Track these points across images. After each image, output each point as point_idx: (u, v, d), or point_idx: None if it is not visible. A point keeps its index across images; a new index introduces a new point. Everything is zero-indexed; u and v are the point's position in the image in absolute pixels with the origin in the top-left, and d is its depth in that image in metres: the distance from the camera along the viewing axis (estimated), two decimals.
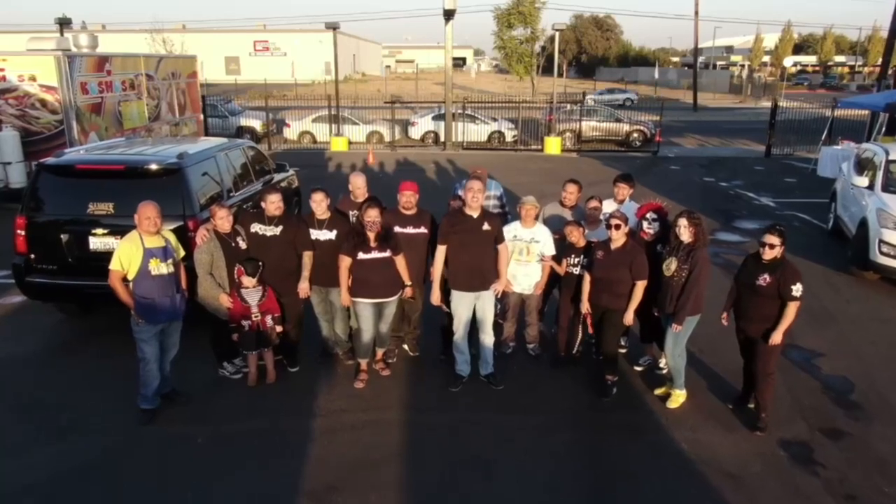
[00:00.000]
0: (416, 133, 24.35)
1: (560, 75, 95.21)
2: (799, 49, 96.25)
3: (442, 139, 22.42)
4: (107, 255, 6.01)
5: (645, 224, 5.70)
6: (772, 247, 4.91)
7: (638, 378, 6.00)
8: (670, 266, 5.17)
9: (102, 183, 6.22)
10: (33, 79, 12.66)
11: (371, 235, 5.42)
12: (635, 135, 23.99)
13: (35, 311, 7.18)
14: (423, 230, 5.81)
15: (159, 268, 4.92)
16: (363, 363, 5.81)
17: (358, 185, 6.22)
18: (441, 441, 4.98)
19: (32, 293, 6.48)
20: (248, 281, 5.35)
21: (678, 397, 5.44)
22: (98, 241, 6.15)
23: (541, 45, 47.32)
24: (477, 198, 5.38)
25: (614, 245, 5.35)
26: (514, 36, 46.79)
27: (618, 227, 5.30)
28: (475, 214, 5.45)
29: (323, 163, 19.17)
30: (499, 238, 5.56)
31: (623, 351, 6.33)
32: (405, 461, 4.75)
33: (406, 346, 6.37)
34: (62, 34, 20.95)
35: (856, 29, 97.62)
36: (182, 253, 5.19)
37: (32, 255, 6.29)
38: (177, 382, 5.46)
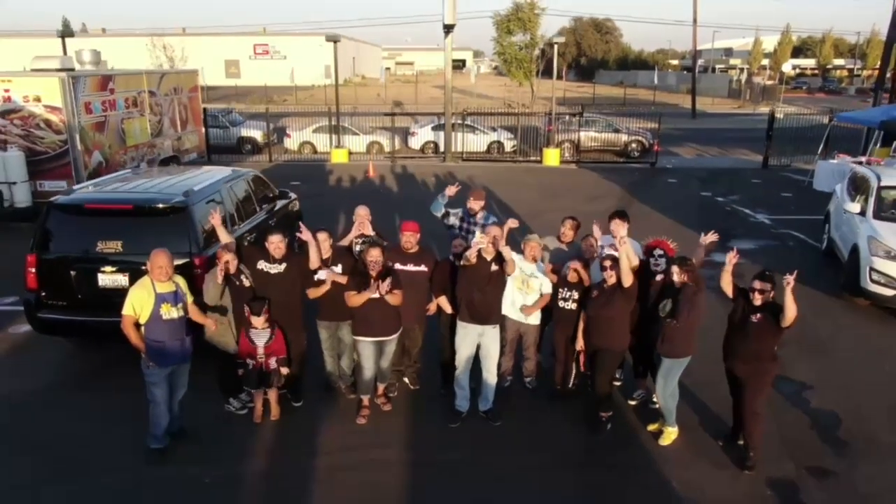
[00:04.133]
0: (415, 143, 24.51)
1: (559, 78, 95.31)
2: (798, 52, 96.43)
3: (442, 149, 22.59)
4: (115, 292, 6.24)
5: (652, 260, 5.87)
6: (762, 292, 5.07)
7: (632, 412, 6.17)
8: (666, 307, 5.35)
9: (111, 221, 6.40)
10: (38, 100, 12.82)
11: (373, 275, 5.59)
12: (633, 145, 24.16)
13: (41, 343, 7.31)
14: (423, 268, 5.99)
15: (170, 312, 5.09)
16: (365, 399, 5.99)
17: (361, 217, 6.42)
18: (441, 483, 5.15)
19: (42, 328, 6.66)
20: (256, 321, 5.52)
21: (670, 434, 5.61)
22: (107, 278, 6.33)
23: (540, 48, 47.42)
24: (489, 246, 5.53)
25: (608, 285, 5.52)
26: (514, 42, 46.88)
27: (611, 267, 5.47)
28: (490, 253, 5.61)
29: (324, 176, 19.33)
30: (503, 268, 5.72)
31: (618, 384, 6.50)
32: (410, 501, 4.91)
33: (406, 380, 6.54)
34: (64, 46, 21.22)
35: (855, 32, 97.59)
36: (191, 298, 5.35)
37: (43, 292, 6.46)
38: (184, 418, 5.63)
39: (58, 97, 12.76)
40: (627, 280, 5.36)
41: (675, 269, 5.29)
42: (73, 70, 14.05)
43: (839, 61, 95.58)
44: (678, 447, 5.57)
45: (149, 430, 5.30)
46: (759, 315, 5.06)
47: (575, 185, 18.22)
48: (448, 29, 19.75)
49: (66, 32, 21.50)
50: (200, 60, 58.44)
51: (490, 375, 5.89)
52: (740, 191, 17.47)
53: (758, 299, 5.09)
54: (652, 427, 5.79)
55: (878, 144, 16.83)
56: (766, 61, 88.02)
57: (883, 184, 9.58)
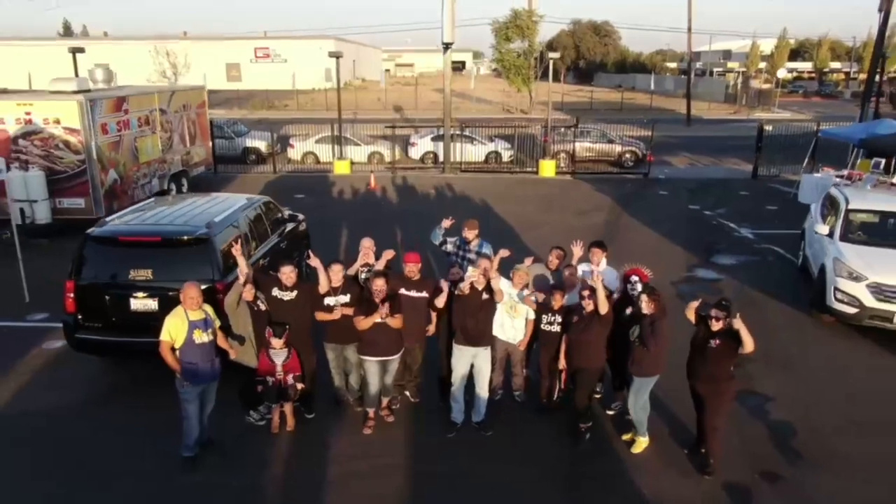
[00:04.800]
0: (415, 153, 25.18)
1: (557, 80, 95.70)
2: (796, 54, 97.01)
3: (441, 160, 23.28)
4: (146, 315, 6.98)
5: (629, 286, 6.56)
6: (717, 319, 5.78)
7: (609, 423, 6.89)
8: (634, 332, 6.06)
9: (142, 251, 7.12)
10: (58, 122, 13.53)
11: (377, 301, 6.30)
12: (627, 155, 24.90)
13: (75, 360, 7.98)
14: (424, 294, 6.70)
15: (201, 337, 5.81)
16: (371, 411, 6.71)
17: (365, 248, 7.14)
18: (440, 491, 5.86)
19: (79, 348, 7.38)
20: (275, 342, 6.24)
21: (641, 444, 6.33)
22: (138, 303, 7.04)
23: (536, 56, 48.10)
24: (481, 280, 6.26)
25: (586, 312, 6.24)
26: (512, 49, 47.62)
27: (589, 297, 6.18)
28: (481, 284, 6.33)
29: (327, 188, 20.03)
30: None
31: (598, 396, 7.22)
32: (412, 501, 5.63)
33: (408, 394, 7.26)
34: (75, 62, 21.89)
35: (852, 35, 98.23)
36: (219, 323, 6.07)
37: (80, 315, 7.18)
38: (211, 429, 6.34)
39: (76, 119, 13.47)
40: (603, 308, 6.07)
41: (643, 298, 6.00)
42: (89, 91, 14.77)
43: (836, 64, 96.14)
44: (648, 455, 6.29)
45: (182, 440, 6.01)
46: (717, 340, 5.77)
47: (569, 197, 18.91)
48: (447, 46, 20.46)
49: (77, 49, 21.99)
50: (201, 64, 59.11)
51: (482, 391, 6.61)
52: (728, 203, 18.17)
53: (715, 326, 5.80)
54: (626, 437, 6.51)
55: (859, 160, 17.53)
56: (763, 64, 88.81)
57: (851, 206, 10.29)
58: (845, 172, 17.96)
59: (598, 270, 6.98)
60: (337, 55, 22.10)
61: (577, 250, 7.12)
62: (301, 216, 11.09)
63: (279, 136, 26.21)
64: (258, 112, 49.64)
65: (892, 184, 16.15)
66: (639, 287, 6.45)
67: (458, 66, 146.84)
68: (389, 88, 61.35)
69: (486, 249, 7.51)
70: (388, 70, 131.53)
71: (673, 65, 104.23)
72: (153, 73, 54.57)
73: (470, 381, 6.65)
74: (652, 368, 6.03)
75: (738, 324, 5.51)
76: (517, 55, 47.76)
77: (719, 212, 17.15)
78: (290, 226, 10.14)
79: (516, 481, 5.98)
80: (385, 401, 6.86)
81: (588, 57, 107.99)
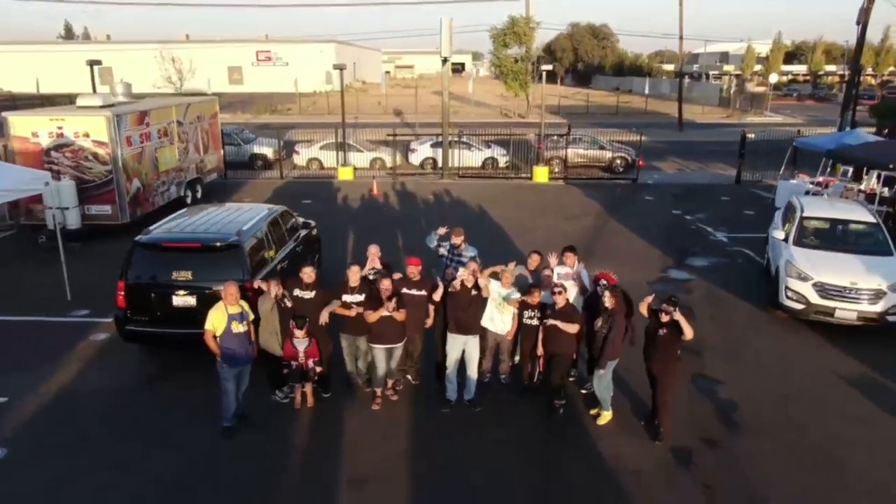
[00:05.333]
0: (415, 159, 26.40)
1: (554, 82, 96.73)
2: (792, 57, 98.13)
3: (440, 165, 24.49)
4: (186, 310, 8.19)
5: (599, 287, 7.76)
6: (666, 313, 6.99)
7: (580, 400, 8.10)
8: (597, 324, 7.28)
9: (182, 256, 8.35)
10: (87, 135, 14.75)
11: (384, 298, 7.52)
12: (618, 161, 26.08)
13: (120, 349, 9.20)
14: (424, 292, 7.91)
15: (238, 327, 7.03)
16: (378, 391, 7.93)
17: (372, 254, 8.36)
18: (436, 450, 7.09)
19: (128, 338, 8.61)
20: (298, 333, 7.45)
21: (605, 416, 7.55)
22: (180, 300, 8.26)
23: (533, 62, 49.30)
24: (470, 279, 7.49)
25: (557, 307, 7.45)
26: (510, 55, 48.83)
27: (560, 293, 7.41)
28: (470, 282, 7.56)
29: (332, 194, 21.23)
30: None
31: (572, 379, 8.43)
32: (412, 465, 6.85)
33: (409, 377, 8.48)
34: (93, 77, 23.09)
35: (846, 39, 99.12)
36: (252, 316, 7.29)
37: (129, 310, 8.40)
38: (245, 406, 7.55)
39: (104, 133, 14.69)
40: (560, 303, 7.34)
41: (606, 295, 7.22)
42: (113, 105, 16.01)
43: (831, 67, 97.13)
44: (611, 426, 7.51)
45: (222, 413, 7.23)
46: (664, 330, 6.99)
47: (560, 202, 20.11)
48: (445, 60, 21.68)
49: (94, 62, 23.18)
50: (203, 67, 60.29)
51: (472, 373, 7.83)
52: (708, 208, 19.36)
53: (664, 318, 7.01)
54: (593, 411, 7.73)
55: (829, 169, 18.75)
56: (758, 67, 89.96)
57: (805, 214, 11.51)
58: (819, 179, 19.23)
59: (575, 271, 8.22)
60: (341, 67, 23.33)
61: (553, 261, 8.34)
62: (313, 223, 12.29)
63: (284, 141, 27.44)
64: (261, 116, 50.76)
65: (860, 190, 17.46)
66: (604, 285, 7.67)
67: (458, 68, 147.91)
68: (390, 91, 62.44)
69: (472, 252, 8.76)
70: (388, 72, 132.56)
71: (670, 67, 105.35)
72: (159, 79, 55.74)
73: (462, 365, 7.87)
74: (612, 353, 7.25)
75: (677, 316, 6.74)
76: (514, 61, 49.01)
77: (699, 216, 18.35)
78: (303, 232, 11.36)
79: (500, 447, 7.19)
80: (390, 382, 8.08)
81: (586, 60, 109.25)
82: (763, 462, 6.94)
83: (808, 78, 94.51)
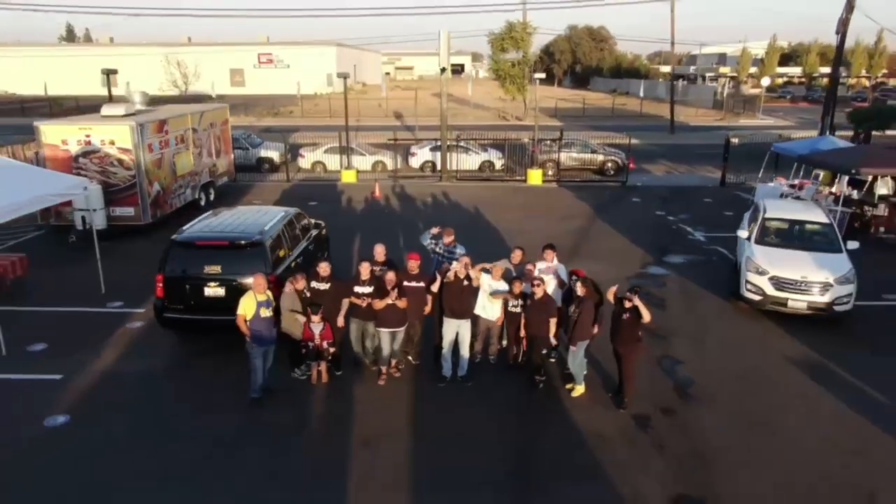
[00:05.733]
0: (415, 162, 27.66)
1: (552, 83, 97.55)
2: (788, 59, 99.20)
3: (439, 168, 25.74)
4: (216, 299, 9.43)
5: (573, 280, 9.00)
6: (629, 300, 8.23)
7: (558, 378, 9.34)
8: (571, 310, 8.53)
9: (213, 252, 9.59)
10: (112, 143, 16.00)
11: (389, 289, 8.76)
12: (609, 164, 27.35)
13: (154, 335, 10.45)
14: (422, 284, 9.15)
15: (265, 313, 8.27)
16: (384, 369, 9.19)
17: (378, 252, 9.60)
18: (433, 418, 8.33)
19: (165, 324, 9.86)
20: (314, 318, 8.70)
21: (578, 390, 8.80)
22: (211, 291, 9.50)
23: (532, 63, 50.56)
24: (462, 271, 8.76)
25: (536, 297, 8.70)
26: (507, 59, 50.06)
27: (538, 285, 8.65)
28: (462, 275, 8.82)
29: (336, 196, 22.47)
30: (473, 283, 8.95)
31: (553, 360, 9.67)
32: (413, 430, 8.10)
33: (410, 357, 9.72)
34: (109, 88, 24.35)
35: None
36: (275, 304, 8.54)
37: (166, 300, 9.64)
38: (270, 380, 8.78)
39: (128, 141, 15.94)
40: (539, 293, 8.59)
41: (578, 285, 8.47)
42: (135, 114, 17.26)
43: (825, 69, 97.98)
44: (583, 398, 8.76)
45: (251, 386, 8.48)
46: (627, 314, 8.24)
47: (552, 204, 21.34)
48: (443, 70, 22.94)
49: (110, 70, 24.44)
50: (206, 69, 61.56)
51: (465, 353, 9.08)
52: (691, 210, 20.59)
53: (627, 305, 8.26)
54: (568, 386, 8.97)
55: (802, 174, 20.01)
56: (754, 69, 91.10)
57: (766, 215, 12.76)
58: (795, 182, 20.48)
59: (552, 266, 9.46)
60: (344, 75, 24.55)
61: (532, 267, 9.58)
62: (322, 223, 13.53)
63: (290, 144, 28.67)
64: (265, 119, 51.98)
65: (831, 192, 18.69)
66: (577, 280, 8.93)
67: (458, 69, 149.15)
68: (390, 94, 63.64)
69: (461, 249, 10.01)
70: (387, 73, 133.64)
71: (667, 68, 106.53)
72: (164, 82, 57.05)
73: (455, 346, 9.11)
74: (582, 335, 8.49)
75: (637, 302, 7.99)
76: (512, 65, 50.28)
77: (681, 217, 19.59)
78: (314, 232, 12.60)
79: (488, 416, 8.43)
80: (394, 362, 9.32)
81: (584, 62, 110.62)
82: (708, 426, 8.19)
83: (802, 80, 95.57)
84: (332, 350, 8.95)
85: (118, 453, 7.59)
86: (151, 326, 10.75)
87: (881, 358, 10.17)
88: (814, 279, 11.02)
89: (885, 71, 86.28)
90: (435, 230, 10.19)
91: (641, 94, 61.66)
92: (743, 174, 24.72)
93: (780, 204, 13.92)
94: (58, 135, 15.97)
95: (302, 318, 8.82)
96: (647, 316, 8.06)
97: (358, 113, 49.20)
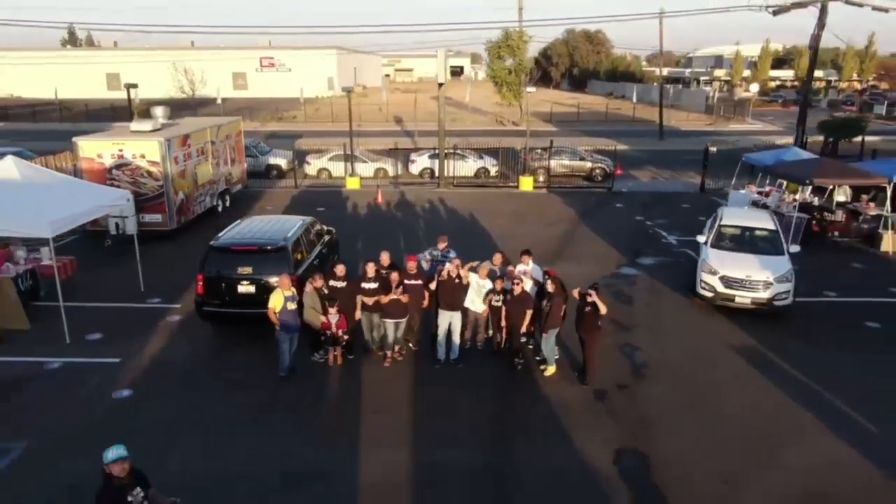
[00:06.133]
0: (415, 169, 29.51)
1: (549, 86, 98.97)
2: (782, 62, 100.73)
3: (437, 175, 27.55)
4: (248, 296, 11.25)
5: (545, 281, 10.79)
6: (589, 296, 10.04)
7: (534, 362, 11.15)
8: (544, 304, 10.35)
9: (245, 256, 11.40)
10: (142, 156, 17.81)
11: (393, 286, 10.58)
12: (597, 171, 29.15)
13: (193, 328, 12.25)
14: (419, 282, 10.97)
15: (291, 306, 10.09)
16: (389, 353, 11.01)
17: (384, 258, 11.41)
18: (429, 392, 10.15)
19: (204, 317, 11.66)
20: (331, 310, 10.52)
21: (550, 370, 10.62)
22: (243, 288, 11.31)
23: (528, 70, 52.31)
24: (454, 271, 10.59)
25: (515, 293, 10.51)
26: (504, 67, 51.85)
27: (518, 284, 10.47)
28: (454, 274, 10.66)
29: (342, 202, 24.27)
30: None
31: (530, 347, 11.48)
32: (413, 400, 9.92)
33: (410, 344, 11.54)
34: (130, 102, 26.16)
35: (831, 45, 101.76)
36: (299, 298, 10.36)
37: (205, 296, 11.45)
38: (294, 362, 10.59)
39: (157, 155, 17.75)
40: (517, 291, 10.41)
41: (549, 283, 10.29)
42: (161, 129, 19.07)
43: (818, 72, 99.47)
44: (554, 377, 10.57)
45: (279, 366, 10.31)
46: (588, 307, 10.05)
47: (541, 210, 23.13)
48: (441, 85, 24.75)
49: (131, 84, 26.24)
50: (209, 73, 63.19)
51: (456, 339, 10.90)
52: (668, 215, 22.39)
53: (588, 300, 10.07)
54: (542, 367, 10.79)
55: (768, 183, 21.83)
56: (747, 73, 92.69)
57: (722, 222, 14.58)
58: (765, 189, 22.30)
59: (528, 269, 11.28)
60: (349, 90, 26.37)
61: (513, 268, 11.38)
62: (333, 229, 15.34)
63: (297, 150, 30.44)
64: (269, 124, 53.70)
65: (794, 199, 20.49)
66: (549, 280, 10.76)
67: (457, 71, 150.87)
68: (390, 97, 65.22)
69: (452, 254, 11.82)
70: (387, 75, 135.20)
71: (665, 71, 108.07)
72: (171, 88, 58.82)
73: (449, 334, 10.93)
74: (553, 325, 10.31)
75: (595, 298, 9.82)
76: (508, 72, 52.09)
77: (658, 222, 21.40)
78: (327, 237, 14.42)
79: (473, 391, 10.24)
80: (397, 347, 11.13)
81: (581, 65, 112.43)
82: (654, 398, 10.01)
83: (795, 84, 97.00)
84: (345, 338, 10.77)
85: (173, 417, 9.40)
86: (187, 319, 12.61)
87: (811, 346, 11.99)
88: (756, 278, 12.84)
89: (874, 75, 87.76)
90: (428, 256, 12.09)
91: (634, 99, 63.18)
92: (722, 180, 26.46)
93: (734, 212, 15.70)
94: (94, 149, 17.78)
95: (321, 314, 10.64)
96: (603, 308, 9.88)
97: (359, 118, 50.90)
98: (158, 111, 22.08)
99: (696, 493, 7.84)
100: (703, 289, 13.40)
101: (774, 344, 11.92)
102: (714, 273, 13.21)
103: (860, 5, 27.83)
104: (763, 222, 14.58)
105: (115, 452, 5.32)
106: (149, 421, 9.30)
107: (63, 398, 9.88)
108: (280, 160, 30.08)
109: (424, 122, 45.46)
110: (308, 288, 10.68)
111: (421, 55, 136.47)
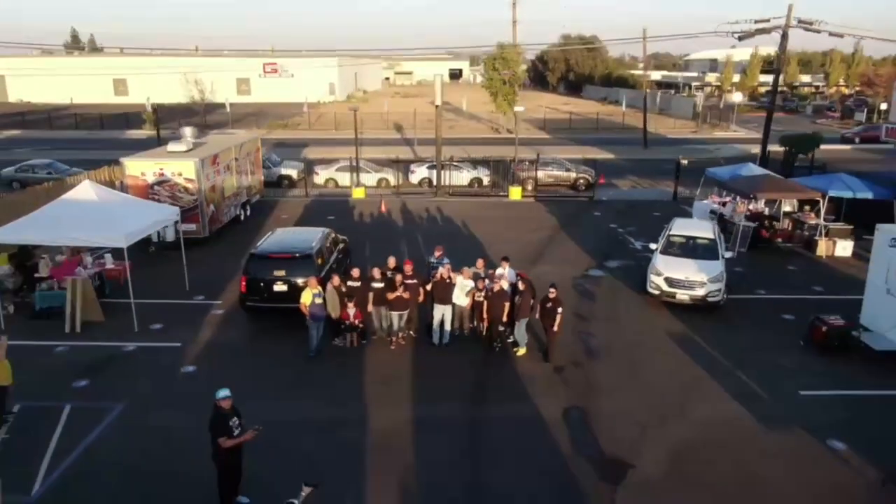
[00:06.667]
0: (414, 179, 32.41)
1: (546, 89, 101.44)
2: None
3: (435, 183, 30.42)
4: (282, 293, 14.16)
5: (517, 280, 13.69)
6: (552, 293, 12.94)
7: (510, 347, 14.04)
8: (517, 299, 13.26)
9: (279, 261, 14.31)
10: (180, 174, 20.69)
11: (397, 285, 13.50)
12: (581, 181, 32.00)
13: (234, 319, 15.14)
14: (416, 281, 13.87)
15: (318, 301, 12.99)
16: (394, 339, 13.92)
17: (390, 262, 14.30)
18: (426, 367, 13.06)
19: (247, 310, 14.57)
20: (349, 304, 13.42)
21: (521, 351, 13.55)
22: (278, 287, 14.22)
23: (522, 80, 55.17)
24: (445, 274, 13.53)
25: (494, 290, 13.41)
26: (500, 77, 54.70)
27: (497, 283, 13.38)
28: (445, 276, 13.58)
29: (349, 211, 27.13)
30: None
31: (508, 336, 14.36)
32: (412, 374, 12.82)
33: (411, 331, 14.43)
34: (157, 128, 28.99)
35: (821, 50, 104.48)
36: (323, 294, 13.27)
37: (247, 293, 14.36)
38: (320, 345, 13.47)
39: (193, 173, 20.63)
40: (496, 288, 13.32)
41: (519, 282, 13.21)
42: (193, 149, 21.95)
43: (806, 78, 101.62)
44: (525, 356, 13.48)
45: (309, 346, 13.22)
46: (550, 302, 12.97)
47: (527, 218, 26.01)
48: (437, 107, 27.64)
49: (156, 106, 29.06)
50: (213, 79, 65.72)
51: (448, 328, 13.82)
52: (639, 222, 25.22)
53: (550, 295, 12.97)
54: (515, 349, 13.69)
55: (725, 194, 24.69)
56: (737, 78, 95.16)
57: (671, 232, 17.47)
58: (727, 199, 25.16)
59: (504, 272, 14.18)
60: (354, 108, 29.23)
61: (493, 271, 14.27)
62: (346, 237, 18.22)
63: (305, 159, 33.29)
64: (275, 132, 56.41)
65: (748, 209, 23.35)
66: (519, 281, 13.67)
67: (456, 74, 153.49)
68: (389, 100, 67.65)
69: (445, 260, 14.69)
70: (387, 78, 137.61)
71: (658, 76, 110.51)
72: (182, 97, 61.66)
73: (441, 324, 13.84)
74: (522, 314, 13.22)
75: (554, 294, 12.74)
76: (503, 82, 54.98)
77: (629, 229, 24.25)
78: (342, 245, 17.33)
79: (461, 367, 13.14)
80: (400, 334, 14.03)
81: (577, 70, 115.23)
82: (600, 372, 12.93)
83: (784, 89, 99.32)
84: (361, 326, 13.68)
85: (230, 386, 12.24)
86: (229, 313, 15.51)
87: (730, 333, 14.88)
88: (693, 279, 15.74)
89: (857, 82, 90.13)
90: (437, 253, 15.00)
91: (624, 105, 65.73)
92: (694, 189, 29.26)
93: (682, 223, 18.55)
94: (138, 168, 20.67)
95: (341, 307, 13.53)
96: (559, 303, 12.84)
97: (361, 124, 53.60)
98: (187, 131, 24.96)
99: (616, 436, 10.75)
100: (651, 288, 16.31)
101: (702, 331, 14.83)
102: (660, 274, 16.13)
103: (818, 31, 30.74)
104: (705, 232, 17.47)
105: (224, 392, 8.21)
106: (212, 388, 12.14)
107: (144, 372, 12.79)
108: (290, 170, 32.97)
109: (423, 130, 48.10)
110: (329, 286, 13.57)
111: (421, 59, 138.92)
